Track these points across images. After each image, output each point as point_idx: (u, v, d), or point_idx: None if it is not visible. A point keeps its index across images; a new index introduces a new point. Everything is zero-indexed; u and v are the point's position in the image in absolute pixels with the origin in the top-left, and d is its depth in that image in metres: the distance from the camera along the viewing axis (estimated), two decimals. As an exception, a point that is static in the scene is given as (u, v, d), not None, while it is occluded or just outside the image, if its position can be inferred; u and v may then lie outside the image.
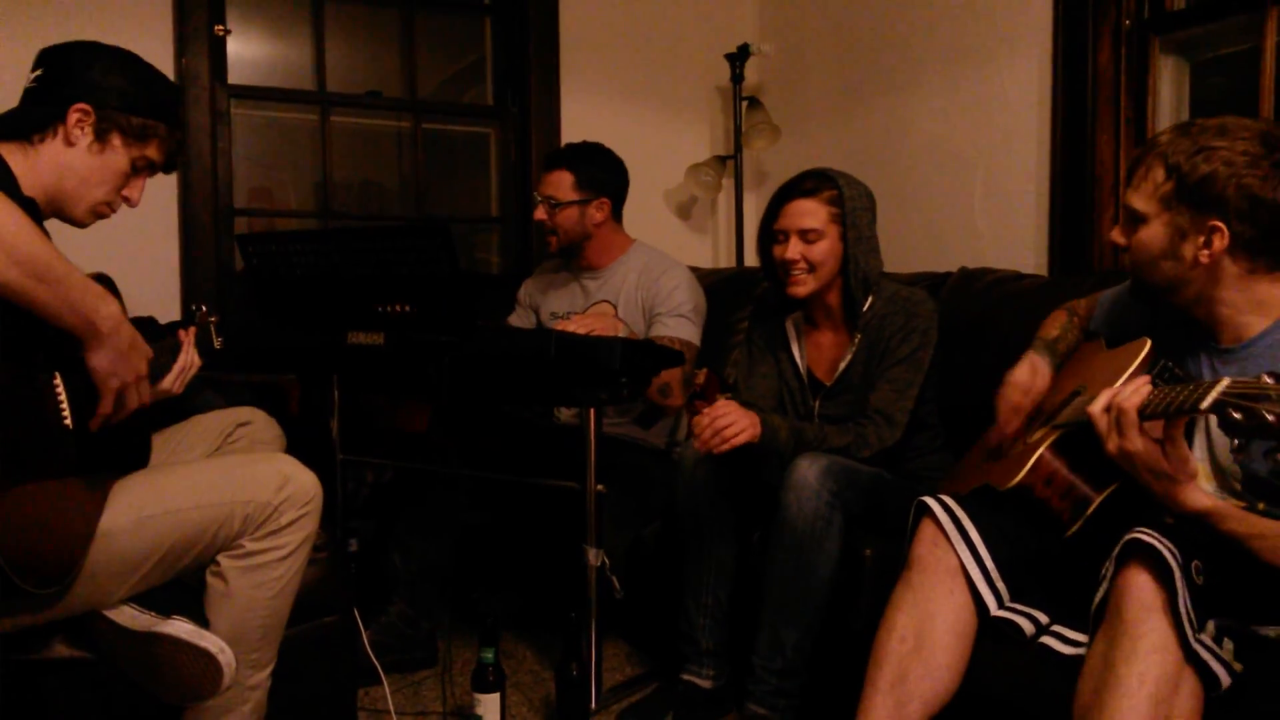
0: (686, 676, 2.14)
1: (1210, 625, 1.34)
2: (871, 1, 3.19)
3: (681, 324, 2.50)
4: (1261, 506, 1.39)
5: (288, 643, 1.62)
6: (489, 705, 1.93)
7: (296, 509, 1.54)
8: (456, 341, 1.93)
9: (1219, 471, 1.47)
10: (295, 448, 1.84)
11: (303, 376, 2.64)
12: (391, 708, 2.02)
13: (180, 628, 1.45)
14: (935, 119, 2.99)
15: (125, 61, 1.61)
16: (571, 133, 3.32)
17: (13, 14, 2.70)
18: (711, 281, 2.84)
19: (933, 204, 2.99)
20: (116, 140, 1.58)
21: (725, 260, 3.74)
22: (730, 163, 3.56)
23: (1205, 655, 1.28)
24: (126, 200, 1.65)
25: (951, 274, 2.62)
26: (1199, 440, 1.50)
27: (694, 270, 2.69)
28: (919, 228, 3.01)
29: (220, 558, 1.52)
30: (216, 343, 1.79)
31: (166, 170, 1.70)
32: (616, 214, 2.67)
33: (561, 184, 2.56)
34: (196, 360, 1.74)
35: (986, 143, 2.83)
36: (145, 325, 1.55)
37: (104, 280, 1.50)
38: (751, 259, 3.57)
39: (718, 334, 2.76)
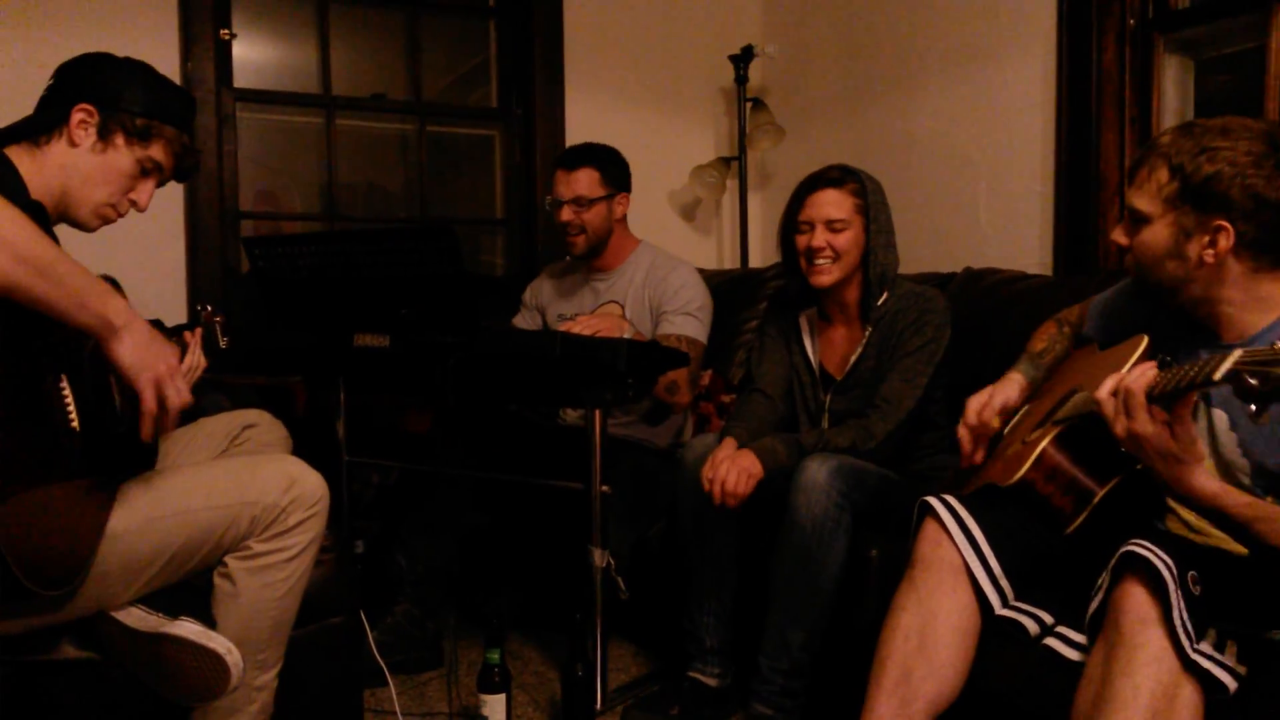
0: (692, 675, 2.14)
1: (1211, 633, 1.34)
2: (875, 2, 3.19)
3: (688, 322, 2.50)
4: (1269, 499, 1.39)
5: (294, 643, 1.62)
6: (495, 706, 1.94)
7: (303, 510, 1.55)
8: (462, 343, 1.94)
9: (1224, 466, 1.47)
10: (301, 449, 1.84)
11: (308, 378, 2.65)
12: (398, 708, 2.02)
13: (188, 629, 1.45)
14: (939, 120, 2.99)
15: (134, 68, 1.63)
16: (576, 135, 3.32)
17: (18, 20, 2.71)
18: (716, 283, 2.84)
19: (937, 204, 2.99)
20: (119, 140, 1.58)
21: (730, 261, 3.74)
22: (735, 164, 3.57)
23: (1206, 664, 1.28)
24: (134, 204, 1.64)
25: (956, 274, 2.62)
26: (1202, 434, 1.49)
27: (699, 272, 2.69)
28: (924, 228, 3.01)
29: (227, 559, 1.52)
30: (222, 343, 1.80)
31: (179, 178, 1.70)
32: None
33: (590, 181, 2.56)
34: (203, 362, 1.74)
35: (991, 143, 2.83)
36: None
37: (109, 282, 1.50)
38: (756, 260, 3.57)
39: (723, 335, 2.76)
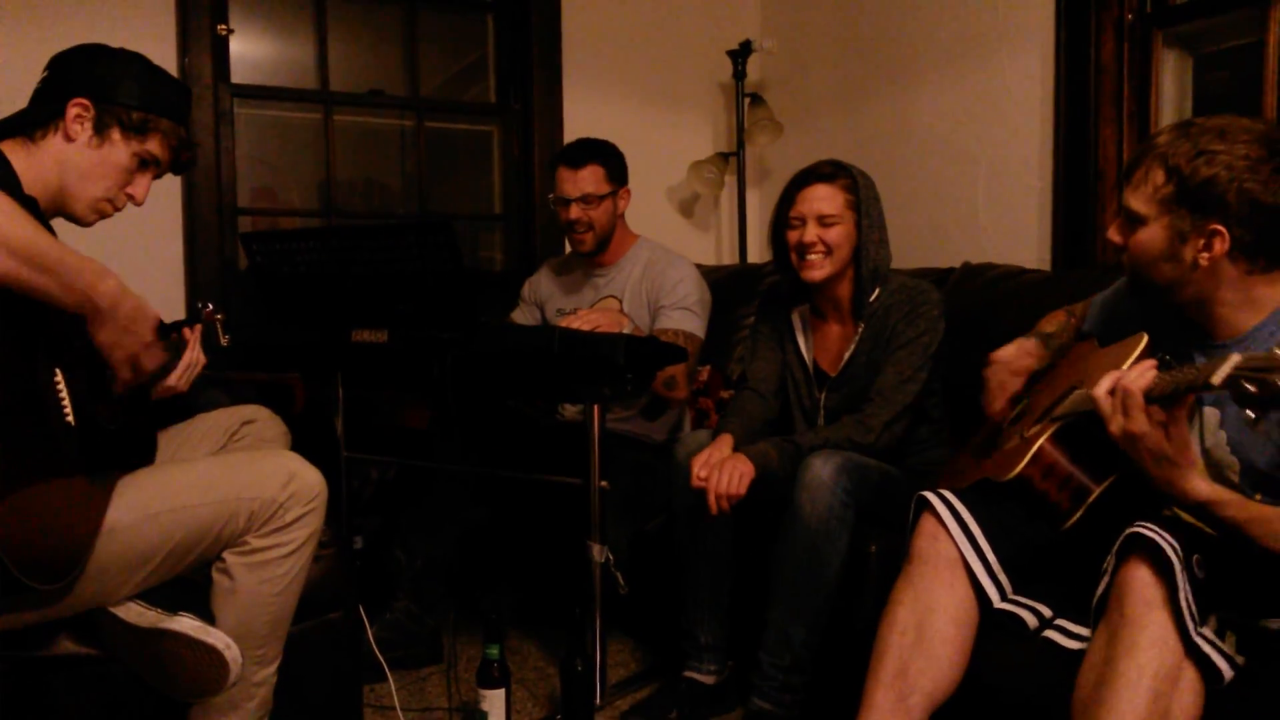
0: (688, 674, 2.14)
1: (1212, 619, 1.34)
2: (873, -3, 3.19)
3: (686, 316, 2.50)
4: (1258, 498, 1.40)
5: (293, 639, 1.62)
6: (494, 701, 1.94)
7: (302, 505, 1.55)
8: (460, 338, 1.94)
9: (1213, 465, 1.47)
10: (300, 445, 1.84)
11: (307, 374, 2.65)
12: (397, 704, 2.03)
13: (186, 624, 1.46)
14: (938, 115, 2.98)
15: (129, 60, 1.61)
16: (574, 130, 3.32)
17: (15, 14, 2.70)
18: (715, 278, 2.84)
19: (936, 199, 2.99)
20: (116, 134, 1.57)
21: (728, 257, 3.74)
22: (733, 159, 3.56)
23: (1207, 648, 1.28)
24: (131, 198, 1.63)
25: (954, 269, 2.62)
26: (1192, 432, 1.50)
27: (697, 267, 2.69)
28: (922, 223, 3.01)
29: (226, 554, 1.52)
30: (223, 340, 1.79)
31: (175, 171, 1.69)
32: None
33: (596, 178, 2.56)
34: (201, 358, 1.74)
35: (989, 138, 2.83)
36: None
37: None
38: (755, 256, 3.57)
39: (721, 330, 2.76)
